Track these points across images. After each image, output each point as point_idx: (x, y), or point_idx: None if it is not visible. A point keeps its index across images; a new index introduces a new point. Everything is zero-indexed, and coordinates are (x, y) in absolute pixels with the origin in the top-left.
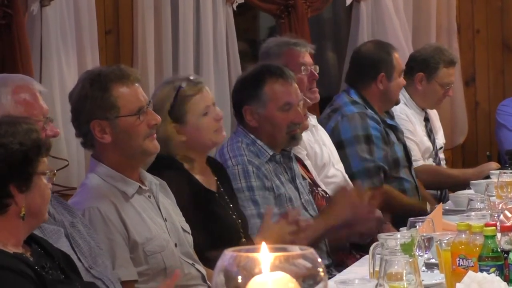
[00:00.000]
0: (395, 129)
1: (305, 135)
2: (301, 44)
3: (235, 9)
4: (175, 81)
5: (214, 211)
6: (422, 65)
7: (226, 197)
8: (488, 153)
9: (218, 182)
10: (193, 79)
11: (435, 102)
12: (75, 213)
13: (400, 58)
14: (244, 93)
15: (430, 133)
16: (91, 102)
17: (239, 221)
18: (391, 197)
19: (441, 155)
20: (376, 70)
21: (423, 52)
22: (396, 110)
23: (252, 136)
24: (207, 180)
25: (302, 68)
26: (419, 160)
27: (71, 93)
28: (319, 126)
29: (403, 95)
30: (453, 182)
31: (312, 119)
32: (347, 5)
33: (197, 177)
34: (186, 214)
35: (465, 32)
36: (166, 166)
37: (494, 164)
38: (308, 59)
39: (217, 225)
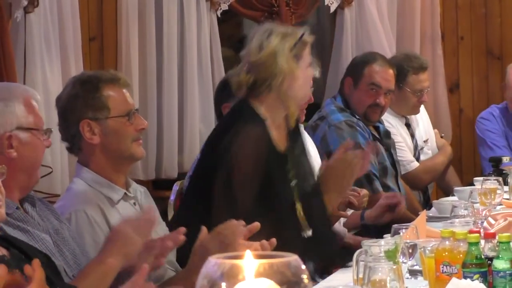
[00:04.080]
0: (380, 140)
1: None
2: None
3: (219, 15)
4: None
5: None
6: None
7: (294, 157)
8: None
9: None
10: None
11: (411, 108)
12: (60, 218)
13: None
14: (225, 92)
15: (412, 138)
16: (82, 102)
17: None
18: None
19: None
20: (346, 73)
21: (393, 61)
22: None
23: None
24: (279, 136)
25: None
26: (414, 161)
27: (59, 96)
28: (305, 135)
29: None
30: (444, 168)
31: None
32: (331, 11)
33: (273, 133)
34: (243, 179)
35: (449, 38)
36: (247, 118)
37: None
38: None
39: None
